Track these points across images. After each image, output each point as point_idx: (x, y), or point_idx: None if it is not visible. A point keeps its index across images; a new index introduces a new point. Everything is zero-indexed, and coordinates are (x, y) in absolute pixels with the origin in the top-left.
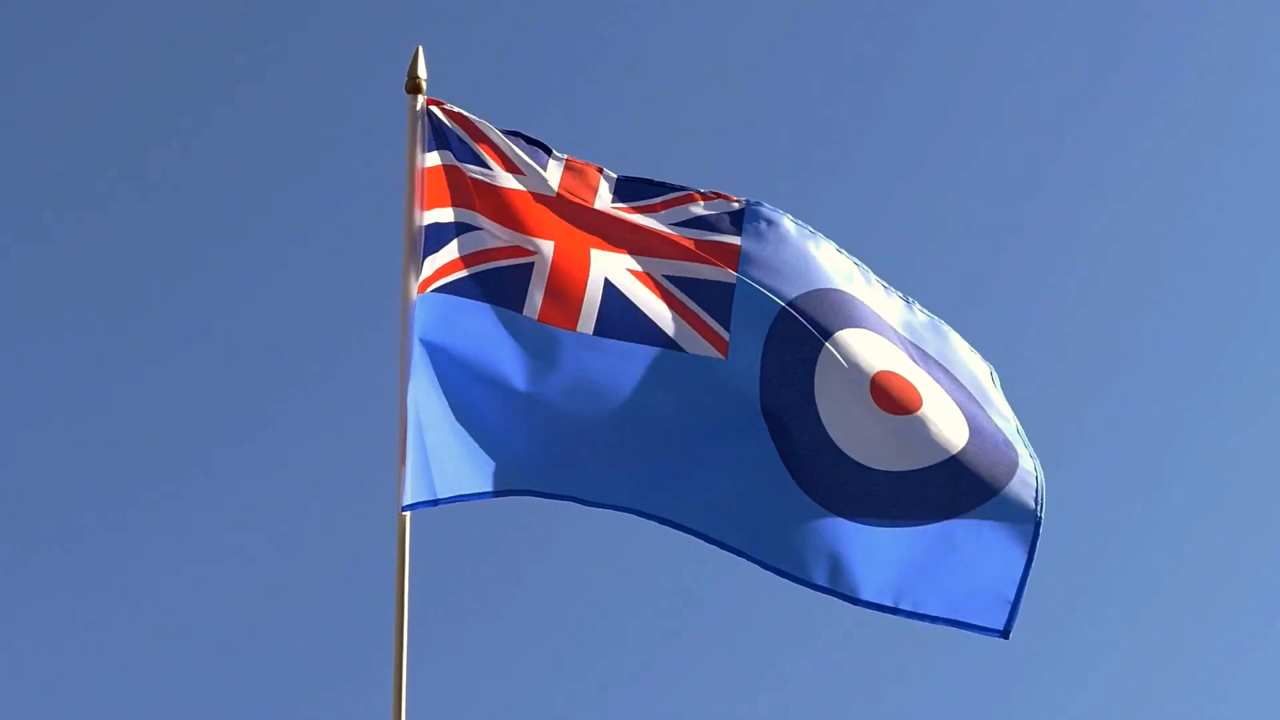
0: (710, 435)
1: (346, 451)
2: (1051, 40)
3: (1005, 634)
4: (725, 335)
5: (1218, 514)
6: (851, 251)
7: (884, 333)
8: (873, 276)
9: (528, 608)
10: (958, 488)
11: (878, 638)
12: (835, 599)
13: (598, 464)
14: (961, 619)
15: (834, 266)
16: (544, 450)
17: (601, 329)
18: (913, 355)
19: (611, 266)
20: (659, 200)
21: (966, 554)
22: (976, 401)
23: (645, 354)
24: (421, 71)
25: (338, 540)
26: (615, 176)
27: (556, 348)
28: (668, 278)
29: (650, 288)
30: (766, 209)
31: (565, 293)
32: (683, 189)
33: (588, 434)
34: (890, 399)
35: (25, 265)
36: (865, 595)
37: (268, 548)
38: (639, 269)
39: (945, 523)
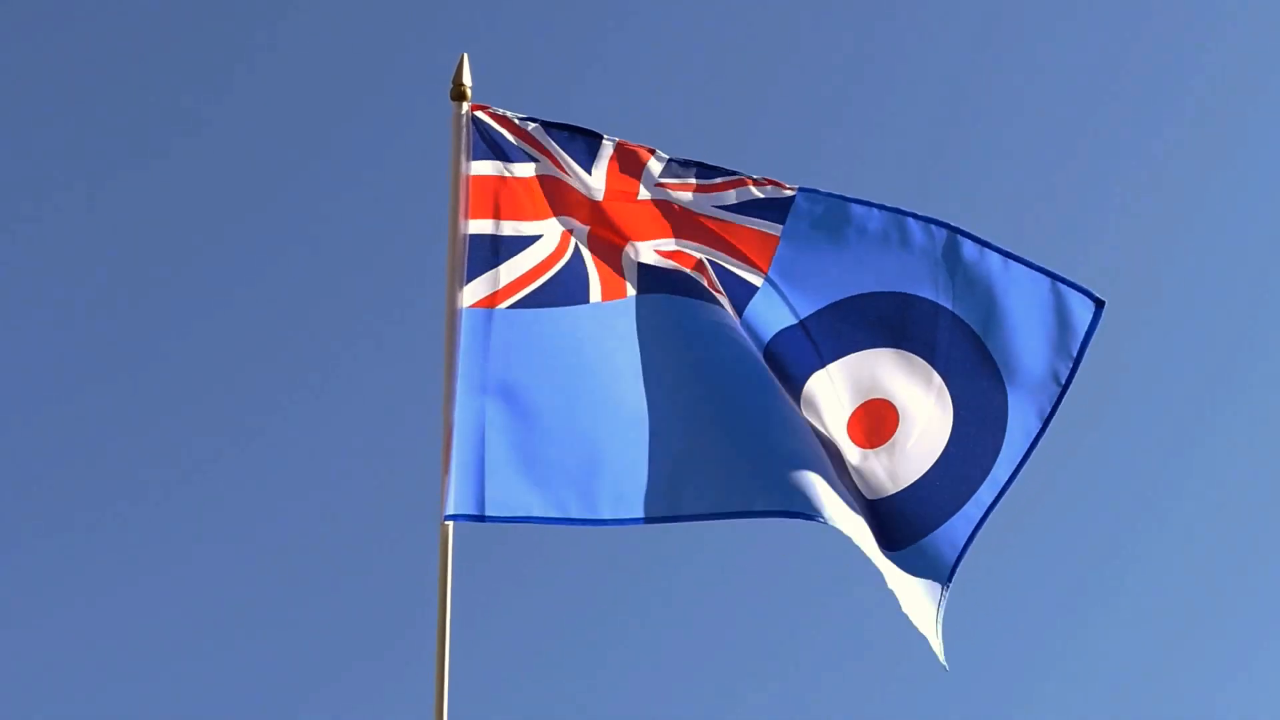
0: (744, 381)
1: (392, 460)
2: (1068, 43)
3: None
4: (736, 321)
5: (1223, 518)
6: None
7: (907, 344)
8: (923, 234)
9: (570, 615)
10: (903, 518)
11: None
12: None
13: (650, 472)
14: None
15: (877, 260)
16: (603, 469)
17: (643, 288)
18: (937, 362)
19: (646, 252)
20: (708, 182)
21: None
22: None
23: (677, 303)
24: (466, 79)
25: (385, 548)
26: (667, 158)
27: (619, 316)
28: (707, 260)
29: (684, 261)
30: (818, 197)
31: (610, 265)
32: (735, 173)
33: (615, 437)
34: (863, 432)
35: (90, 292)
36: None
37: (315, 555)
38: (675, 249)
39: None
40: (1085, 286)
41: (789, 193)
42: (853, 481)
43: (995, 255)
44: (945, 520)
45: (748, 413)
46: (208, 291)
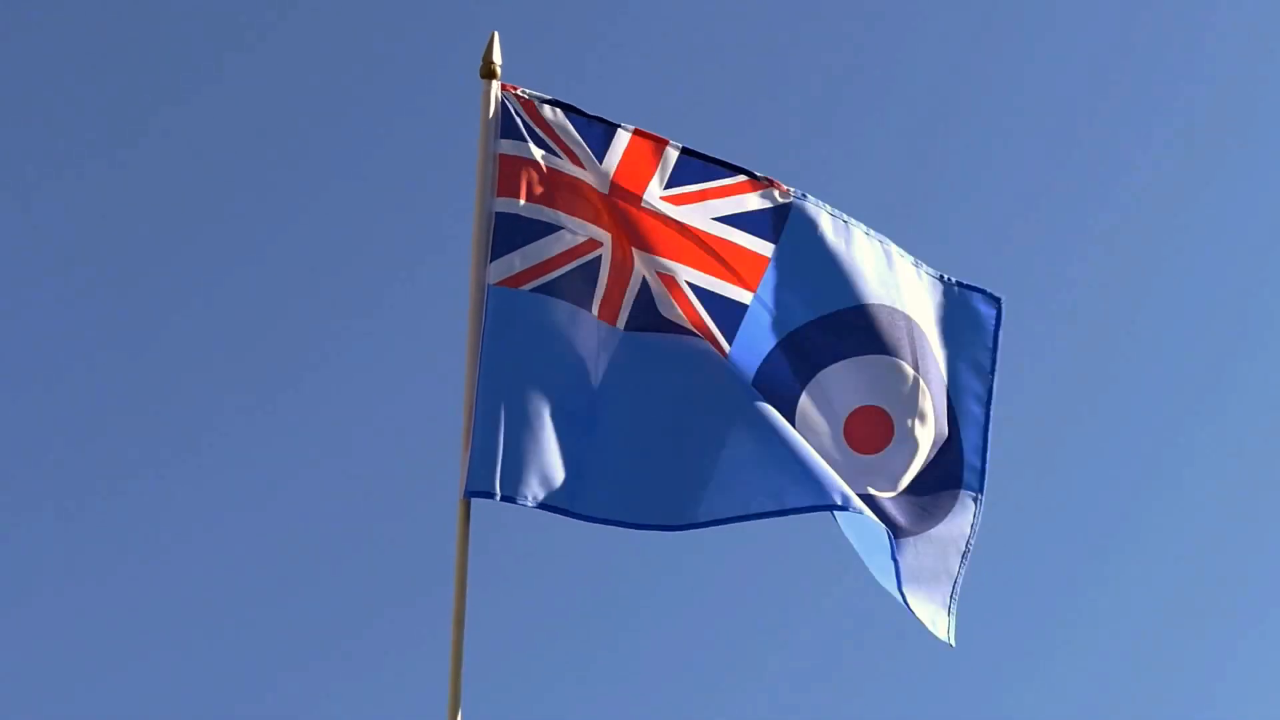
0: (723, 409)
1: (413, 437)
2: (1062, 39)
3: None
4: (726, 347)
5: (1216, 513)
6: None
7: (890, 350)
8: (899, 260)
9: (586, 597)
10: (909, 514)
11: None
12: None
13: (628, 481)
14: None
15: (862, 274)
16: (595, 469)
17: (630, 325)
18: (919, 367)
19: (649, 266)
20: (712, 186)
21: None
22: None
23: (664, 340)
24: (496, 57)
25: (404, 525)
26: (679, 151)
27: (605, 343)
28: (689, 284)
29: (673, 291)
30: (811, 205)
31: (615, 288)
32: (739, 172)
33: (626, 445)
34: (861, 438)
35: (105, 266)
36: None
37: (333, 531)
38: (666, 272)
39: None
40: (981, 286)
41: (788, 199)
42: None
43: (926, 268)
44: (947, 514)
45: (743, 425)
46: (229, 264)
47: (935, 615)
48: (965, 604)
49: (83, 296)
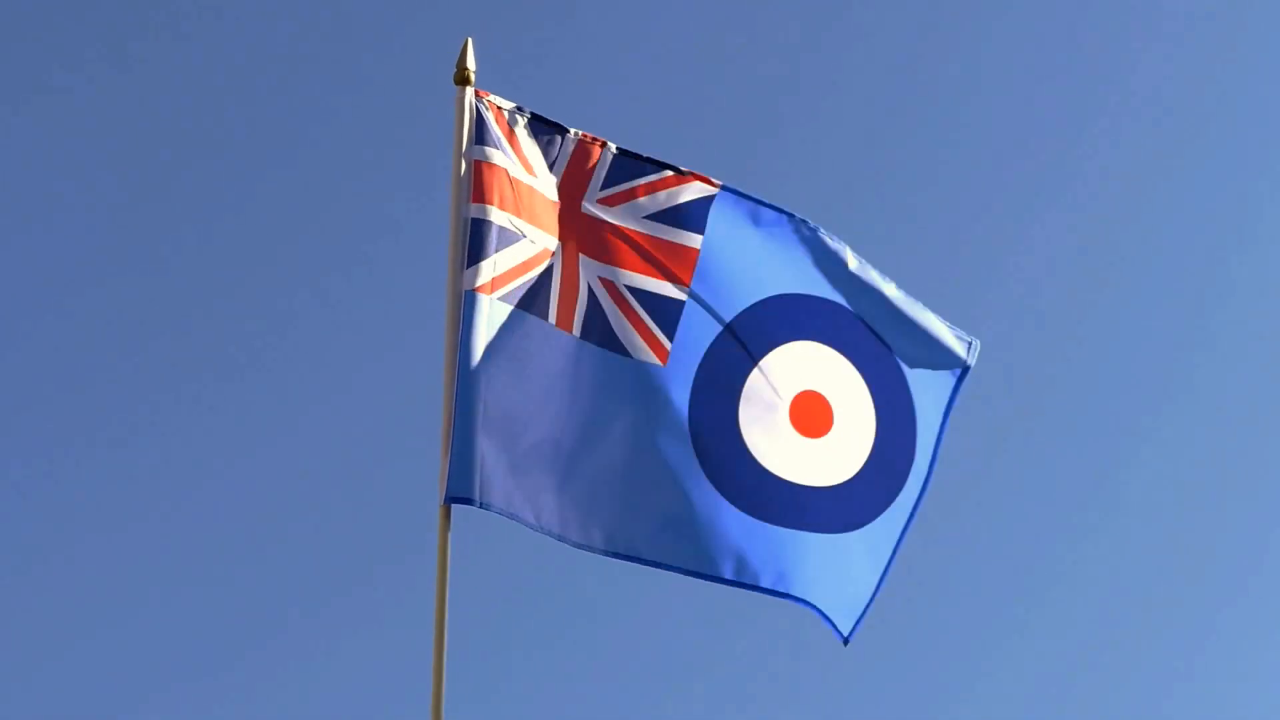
0: (647, 446)
1: (394, 443)
2: (1027, 31)
3: (846, 642)
4: (667, 345)
5: (1176, 510)
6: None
7: (825, 338)
8: (845, 257)
9: (566, 602)
10: (850, 507)
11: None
12: (734, 588)
13: (579, 503)
14: (828, 615)
15: (793, 266)
16: (557, 486)
17: (584, 333)
18: (853, 357)
19: (591, 272)
20: (642, 183)
21: (846, 564)
22: (902, 410)
23: (608, 359)
24: (470, 63)
25: (386, 532)
26: (615, 152)
27: (564, 352)
28: (628, 288)
29: (613, 296)
30: (737, 199)
31: (568, 295)
32: (665, 168)
33: (576, 464)
34: (805, 422)
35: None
36: (763, 583)
37: (316, 537)
38: (607, 278)
39: (838, 535)
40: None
41: (713, 190)
42: (796, 478)
43: (874, 273)
44: (879, 514)
45: (665, 471)
46: (205, 270)
47: (842, 610)
48: (934, 600)
49: (71, 306)
